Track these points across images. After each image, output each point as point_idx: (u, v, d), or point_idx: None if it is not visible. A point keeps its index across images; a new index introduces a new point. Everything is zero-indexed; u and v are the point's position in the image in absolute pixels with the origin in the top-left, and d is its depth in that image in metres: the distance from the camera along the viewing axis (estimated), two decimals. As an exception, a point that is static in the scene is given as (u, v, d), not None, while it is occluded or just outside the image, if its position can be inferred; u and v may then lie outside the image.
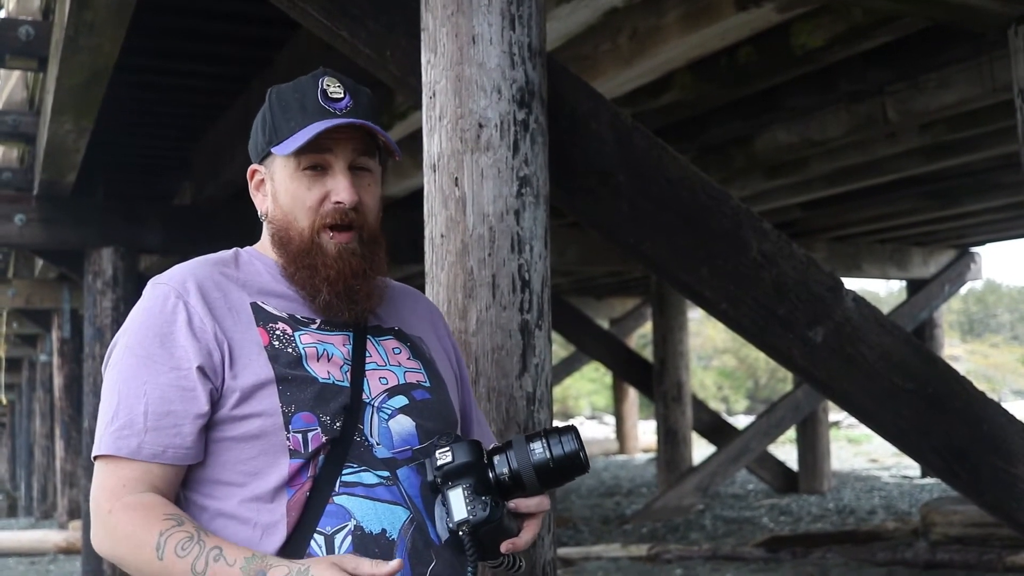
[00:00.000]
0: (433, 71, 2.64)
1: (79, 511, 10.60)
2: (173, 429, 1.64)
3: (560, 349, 24.75)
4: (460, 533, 1.63)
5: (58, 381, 12.96)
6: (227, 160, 7.41)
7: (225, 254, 1.83)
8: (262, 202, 1.85)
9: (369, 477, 1.67)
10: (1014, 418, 3.61)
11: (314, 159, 1.76)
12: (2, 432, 32.07)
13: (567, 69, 3.13)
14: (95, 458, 1.67)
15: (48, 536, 11.52)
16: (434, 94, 2.63)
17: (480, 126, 2.56)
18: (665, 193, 3.17)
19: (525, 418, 2.53)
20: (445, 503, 1.65)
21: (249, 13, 5.58)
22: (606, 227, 3.18)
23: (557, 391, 31.24)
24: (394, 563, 1.50)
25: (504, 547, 1.69)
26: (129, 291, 8.03)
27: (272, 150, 1.78)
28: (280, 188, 1.79)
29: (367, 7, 2.95)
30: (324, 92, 1.76)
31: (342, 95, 1.77)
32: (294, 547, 1.62)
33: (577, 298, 17.13)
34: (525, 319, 2.55)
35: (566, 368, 20.21)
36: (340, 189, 1.76)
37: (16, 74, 7.13)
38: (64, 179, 7.36)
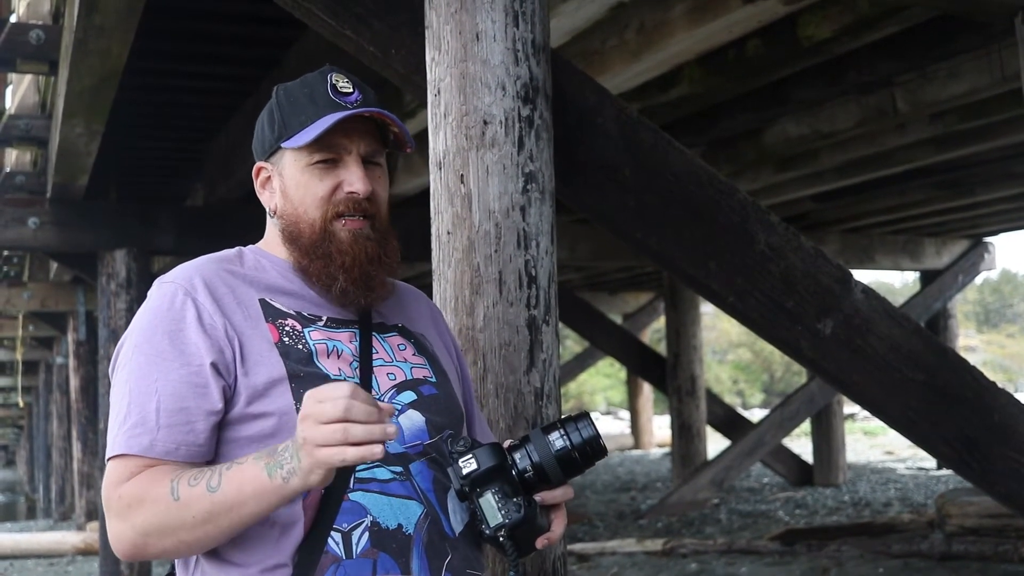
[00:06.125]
0: (437, 68, 2.65)
1: (97, 512, 10.66)
2: (186, 426, 1.62)
3: (574, 345, 24.76)
4: (500, 538, 1.63)
5: (74, 383, 13.01)
6: (239, 161, 7.44)
7: (228, 253, 1.82)
8: (269, 199, 1.84)
9: (383, 472, 1.67)
10: (1026, 408, 3.60)
11: (327, 152, 1.75)
12: (20, 435, 32.25)
13: (572, 64, 3.14)
14: (108, 460, 1.64)
15: (66, 538, 11.60)
16: (439, 91, 2.64)
17: (485, 123, 2.56)
18: (672, 187, 3.17)
19: (533, 414, 2.53)
20: (477, 510, 1.65)
21: (257, 14, 5.61)
22: (613, 222, 3.18)
23: (572, 387, 31.23)
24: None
25: (540, 543, 1.71)
26: (143, 293, 8.00)
27: (282, 145, 1.78)
28: (290, 182, 1.78)
29: (371, 6, 2.95)
30: (334, 87, 1.75)
31: (351, 89, 1.77)
32: (312, 546, 1.61)
33: (590, 294, 17.14)
34: (532, 315, 2.56)
35: (580, 364, 20.21)
36: (354, 179, 1.75)
37: (28, 78, 7.17)
38: (76, 182, 7.41)
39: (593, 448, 1.70)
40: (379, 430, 1.45)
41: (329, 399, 1.45)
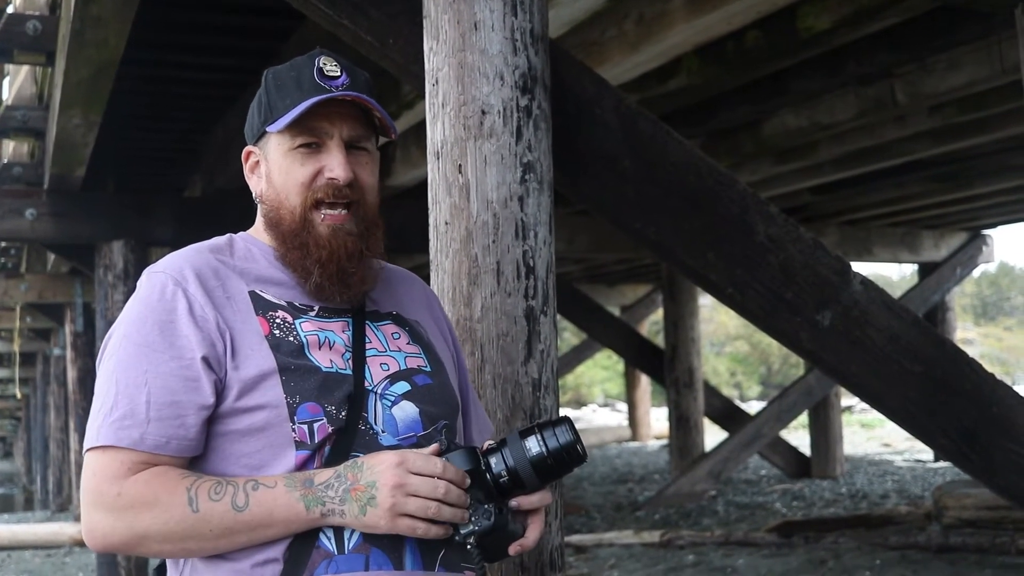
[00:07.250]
0: (435, 58, 2.63)
1: (94, 503, 10.63)
2: (177, 420, 1.59)
3: (572, 337, 24.75)
4: (468, 545, 1.61)
5: (72, 375, 12.99)
6: (236, 152, 7.40)
7: (219, 241, 1.80)
8: (256, 184, 1.82)
9: None
10: (1024, 400, 3.59)
11: (308, 136, 1.73)
12: (17, 426, 32.23)
13: (570, 55, 3.13)
14: (89, 450, 1.61)
15: (64, 529, 11.60)
16: (437, 81, 2.63)
17: (483, 113, 2.55)
18: (671, 178, 3.16)
19: (531, 404, 2.53)
20: None
21: (255, 4, 5.59)
22: (612, 212, 3.18)
23: (570, 379, 31.21)
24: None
25: (513, 550, 1.67)
26: (140, 284, 8.06)
27: (267, 128, 1.76)
28: (273, 167, 1.76)
29: (369, -5, 2.94)
30: (320, 70, 1.73)
31: (339, 73, 1.74)
32: (304, 541, 1.59)
33: (588, 286, 17.12)
34: (530, 305, 2.56)
35: (578, 356, 20.22)
36: (334, 165, 1.72)
37: (25, 69, 7.15)
38: (74, 173, 7.39)
39: (570, 454, 1.65)
40: (462, 514, 1.57)
41: (426, 473, 1.54)
